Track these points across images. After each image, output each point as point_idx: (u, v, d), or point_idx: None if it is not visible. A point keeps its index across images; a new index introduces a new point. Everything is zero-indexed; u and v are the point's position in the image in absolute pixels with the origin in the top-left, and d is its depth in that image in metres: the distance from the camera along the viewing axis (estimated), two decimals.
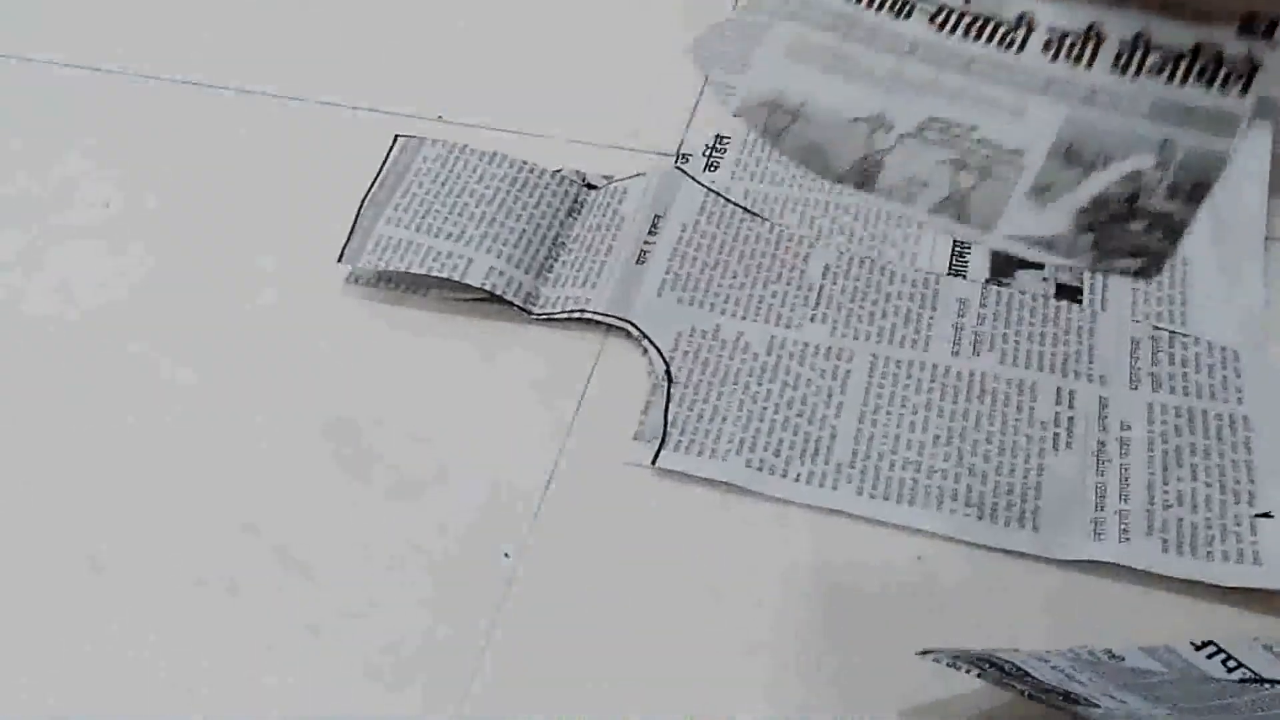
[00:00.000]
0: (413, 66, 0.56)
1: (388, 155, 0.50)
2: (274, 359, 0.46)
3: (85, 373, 0.46)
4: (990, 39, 0.50)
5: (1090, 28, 0.49)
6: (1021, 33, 0.50)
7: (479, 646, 0.38)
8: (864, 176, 0.48)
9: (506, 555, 0.40)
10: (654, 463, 0.41)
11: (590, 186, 0.50)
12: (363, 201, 0.49)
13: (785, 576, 0.39)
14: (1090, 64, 0.48)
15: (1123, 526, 0.38)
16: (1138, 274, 0.44)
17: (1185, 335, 0.43)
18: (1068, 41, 0.49)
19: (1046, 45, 0.49)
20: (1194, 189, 0.46)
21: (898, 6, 0.51)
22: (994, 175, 0.47)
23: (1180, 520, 0.38)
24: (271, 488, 0.42)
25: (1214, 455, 0.39)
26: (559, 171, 0.50)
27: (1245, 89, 0.46)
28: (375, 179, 0.50)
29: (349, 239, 0.48)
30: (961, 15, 0.51)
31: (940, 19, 0.51)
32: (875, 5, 0.51)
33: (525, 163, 0.50)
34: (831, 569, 0.39)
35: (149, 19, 0.60)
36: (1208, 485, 0.39)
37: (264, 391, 0.45)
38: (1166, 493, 0.39)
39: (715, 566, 0.39)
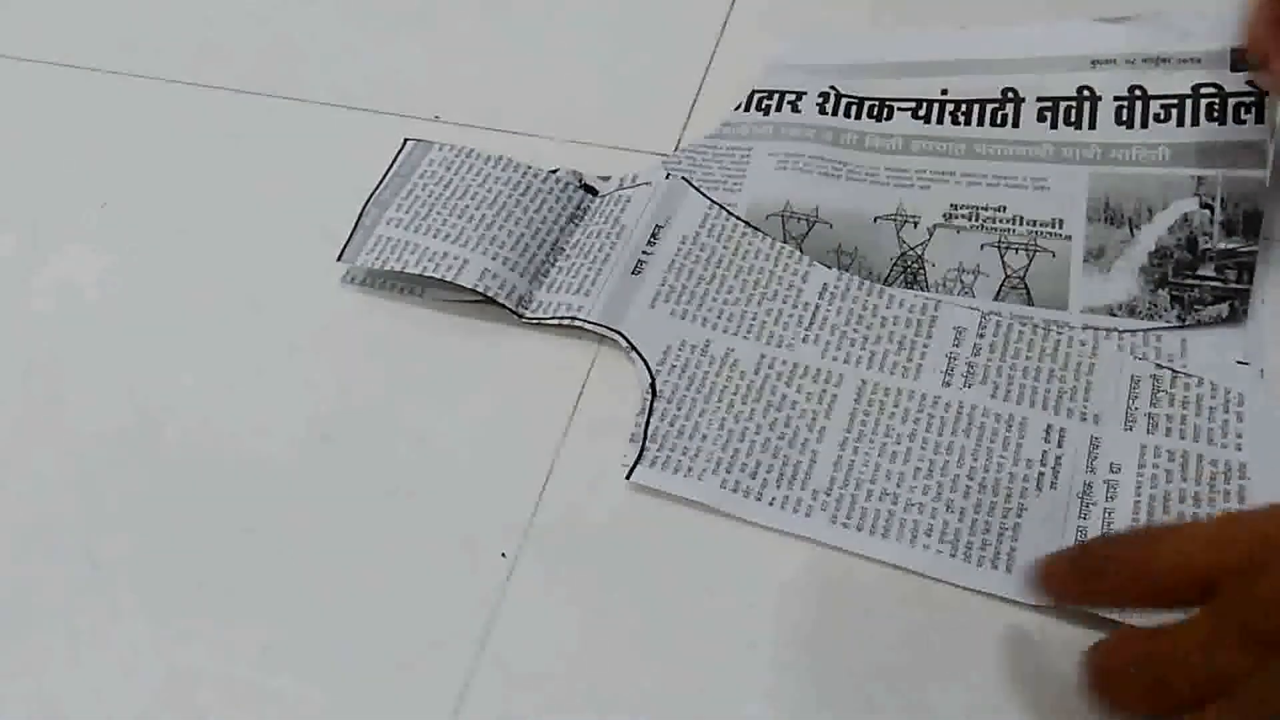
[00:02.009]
0: (410, 67, 0.56)
1: (395, 157, 0.51)
2: (269, 359, 0.46)
3: (84, 371, 0.47)
4: (981, 121, 0.49)
5: (1081, 90, 0.48)
6: (1011, 108, 0.48)
7: (476, 647, 0.38)
8: (909, 274, 0.46)
9: (503, 555, 0.40)
10: (629, 477, 0.41)
11: (587, 188, 0.50)
12: (366, 202, 0.49)
13: (784, 576, 0.39)
14: (1093, 125, 0.47)
15: None
16: (1228, 320, 0.43)
17: (1189, 375, 0.41)
18: (1062, 107, 0.48)
19: (1040, 115, 0.48)
20: (1248, 220, 0.44)
21: (876, 110, 0.50)
22: (1042, 250, 0.45)
23: None
24: (269, 488, 0.43)
25: (1204, 503, 0.38)
26: (555, 172, 0.50)
27: (1259, 118, 0.45)
28: (381, 180, 0.50)
29: (350, 238, 0.48)
30: (943, 105, 0.49)
31: (923, 112, 0.49)
32: (853, 114, 0.50)
33: (530, 167, 0.49)
34: (831, 565, 0.39)
35: (148, 20, 0.60)
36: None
37: (260, 392, 0.45)
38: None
39: (714, 567, 0.39)
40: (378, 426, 0.44)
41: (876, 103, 0.50)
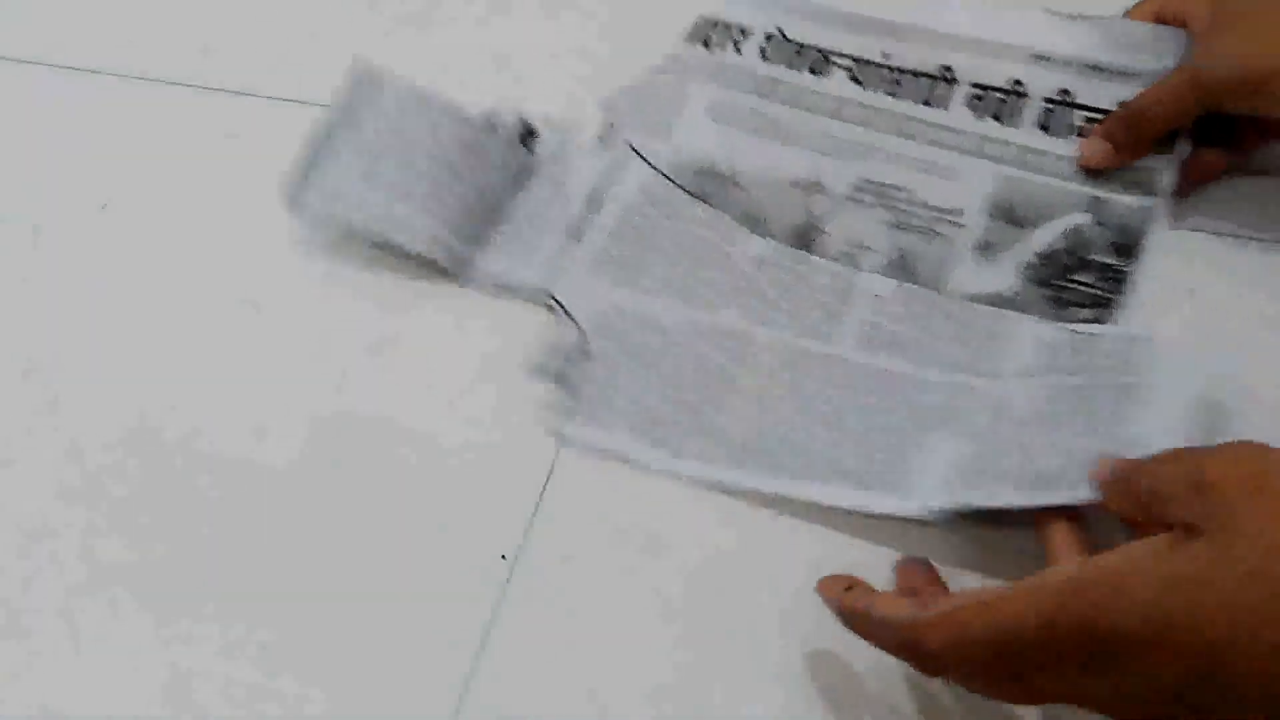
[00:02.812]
0: (413, 69, 0.54)
1: (344, 91, 0.49)
2: (270, 360, 0.47)
3: (84, 372, 0.48)
4: (914, 97, 0.49)
5: (1014, 83, 0.49)
6: (944, 88, 0.49)
7: (476, 647, 0.39)
8: (804, 240, 0.48)
9: (503, 557, 0.41)
10: (551, 432, 0.44)
11: (529, 132, 0.51)
12: (316, 143, 0.49)
13: (786, 578, 0.39)
14: (1016, 124, 0.48)
15: (979, 474, 0.40)
16: (1093, 322, 0.45)
17: (1099, 335, 0.43)
18: (992, 98, 0.49)
19: (970, 102, 0.49)
20: (1133, 242, 0.46)
21: (815, 65, 0.50)
22: (936, 234, 0.47)
23: (1034, 463, 0.39)
24: (271, 487, 0.44)
25: (1092, 412, 0.40)
26: (499, 117, 0.50)
27: (1169, 145, 0.46)
28: (331, 116, 0.49)
29: (297, 182, 0.48)
30: (880, 69, 0.50)
31: (860, 75, 0.50)
32: (793, 65, 0.50)
33: (478, 115, 0.50)
34: (833, 567, 0.39)
35: (148, 21, 0.59)
36: (1073, 435, 0.39)
37: (262, 391, 0.46)
38: (1029, 443, 0.40)
39: (715, 568, 0.40)
40: (383, 423, 0.45)
41: (819, 54, 0.51)
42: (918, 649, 0.33)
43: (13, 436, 0.46)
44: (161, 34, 0.59)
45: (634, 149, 0.50)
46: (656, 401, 0.44)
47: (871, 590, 0.35)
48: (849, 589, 0.35)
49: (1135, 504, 0.33)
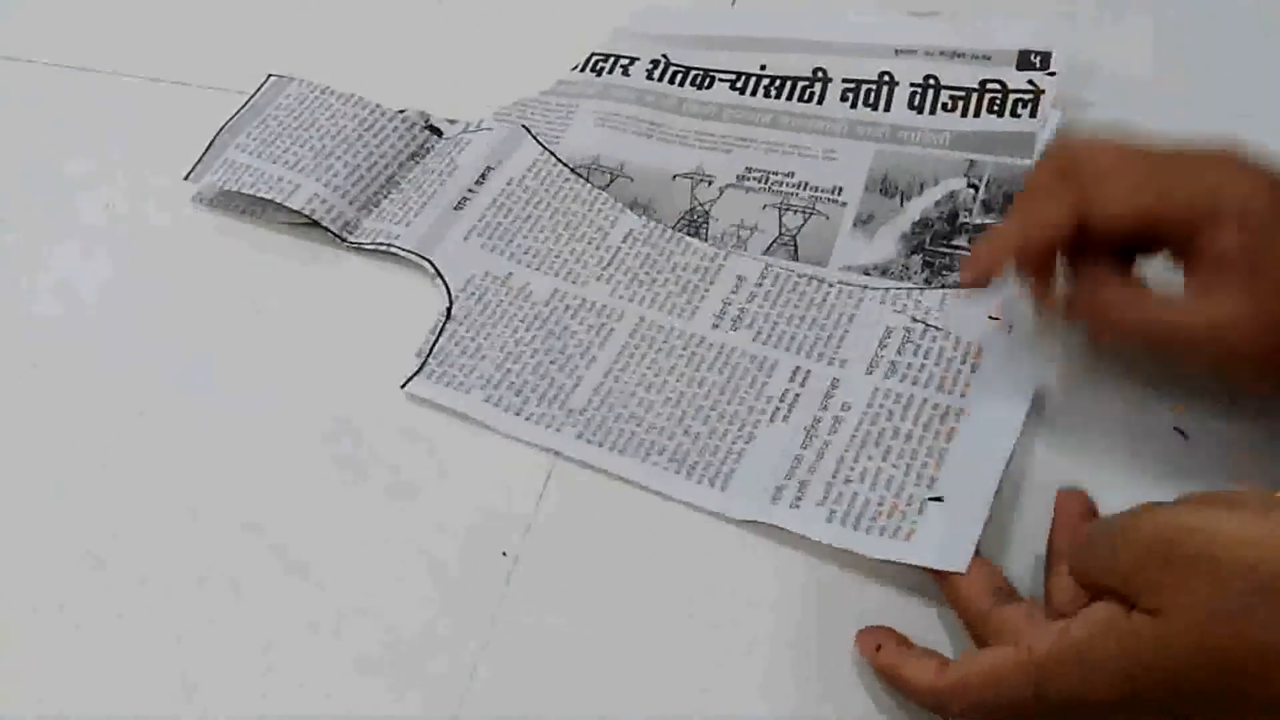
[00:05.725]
0: (424, 72, 0.57)
1: (257, 90, 0.54)
2: (277, 362, 0.47)
3: (83, 368, 0.47)
4: (791, 96, 0.52)
5: (882, 75, 0.52)
6: (819, 87, 0.52)
7: (477, 645, 0.39)
8: (694, 227, 0.49)
9: (504, 554, 0.41)
10: (403, 387, 0.44)
11: (433, 128, 0.53)
12: (221, 128, 0.53)
13: (782, 578, 0.39)
14: (888, 108, 0.51)
15: (798, 495, 0.40)
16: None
17: (939, 329, 0.44)
18: (863, 89, 0.52)
19: (844, 95, 0.52)
20: (1007, 200, 0.48)
21: (699, 80, 0.54)
22: (818, 213, 0.49)
23: (855, 495, 0.39)
24: (271, 483, 0.43)
25: (914, 440, 0.40)
26: (403, 112, 0.53)
27: (1034, 112, 0.49)
28: (239, 109, 0.53)
29: (200, 159, 0.52)
30: (760, 79, 0.53)
31: (740, 84, 0.53)
32: (678, 82, 0.54)
33: (379, 105, 0.53)
34: (825, 571, 0.39)
35: (148, 21, 0.61)
36: (894, 466, 0.40)
37: (264, 391, 0.46)
38: (853, 469, 0.40)
39: (713, 567, 0.40)
40: (387, 422, 0.44)
41: (701, 73, 0.54)
42: (943, 713, 0.35)
43: (13, 433, 0.45)
44: (162, 34, 0.60)
45: (526, 129, 0.52)
46: (514, 367, 0.45)
47: (901, 647, 0.37)
48: (879, 648, 0.37)
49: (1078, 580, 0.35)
